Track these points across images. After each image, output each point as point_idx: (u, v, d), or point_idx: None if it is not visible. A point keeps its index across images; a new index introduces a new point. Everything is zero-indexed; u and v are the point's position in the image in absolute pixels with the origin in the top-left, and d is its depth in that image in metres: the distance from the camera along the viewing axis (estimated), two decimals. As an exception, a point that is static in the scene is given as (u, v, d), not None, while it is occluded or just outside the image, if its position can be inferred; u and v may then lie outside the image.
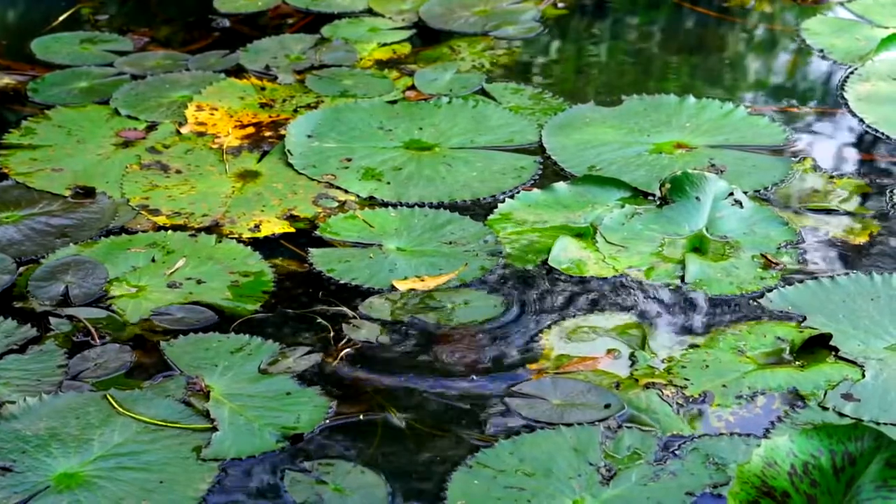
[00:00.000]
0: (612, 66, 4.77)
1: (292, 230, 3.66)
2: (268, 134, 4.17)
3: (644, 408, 2.94)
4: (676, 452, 2.80)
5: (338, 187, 3.86)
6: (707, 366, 3.07)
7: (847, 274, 3.37)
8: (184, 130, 4.18)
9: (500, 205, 3.74)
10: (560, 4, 5.20)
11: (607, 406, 2.94)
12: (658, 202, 3.69)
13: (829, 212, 3.71)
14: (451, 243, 3.58)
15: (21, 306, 3.33)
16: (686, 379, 3.02)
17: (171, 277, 3.43)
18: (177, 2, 5.37)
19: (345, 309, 3.29)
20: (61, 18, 5.09)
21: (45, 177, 3.92)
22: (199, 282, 3.42)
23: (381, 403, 2.99)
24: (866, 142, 4.11)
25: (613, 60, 4.83)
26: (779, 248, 3.51)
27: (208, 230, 3.65)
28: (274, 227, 3.67)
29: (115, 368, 3.10)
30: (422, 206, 3.76)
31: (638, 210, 3.65)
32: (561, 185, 3.79)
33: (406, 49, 4.80)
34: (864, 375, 3.01)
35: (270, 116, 4.28)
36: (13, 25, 5.19)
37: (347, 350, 3.15)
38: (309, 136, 4.12)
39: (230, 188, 3.86)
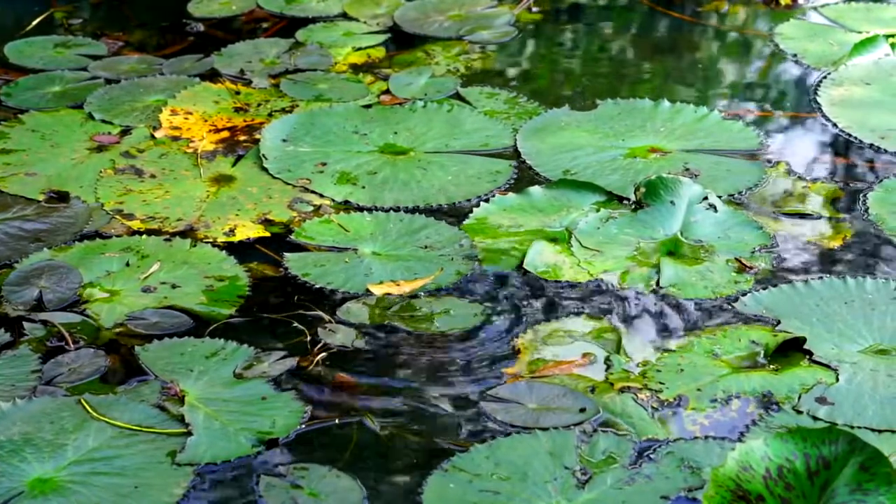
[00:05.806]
0: (587, 71, 4.78)
1: (267, 234, 3.65)
2: (242, 138, 4.16)
3: (619, 412, 2.94)
4: (651, 456, 2.80)
5: (313, 191, 3.85)
6: (682, 370, 3.07)
7: (821, 277, 3.39)
8: (158, 135, 4.17)
9: (475, 209, 3.74)
10: (534, 9, 5.21)
11: (583, 410, 2.94)
12: (633, 206, 3.69)
13: (802, 216, 3.72)
14: (426, 247, 3.58)
15: (-6, 311, 3.32)
16: (661, 383, 3.03)
17: (145, 282, 3.42)
18: (151, 6, 5.35)
19: (320, 313, 3.29)
20: (35, 23, 5.06)
21: (18, 181, 3.91)
22: (173, 286, 3.41)
23: (357, 408, 2.99)
24: (839, 146, 4.12)
25: (588, 65, 4.84)
26: (753, 252, 3.52)
27: (183, 234, 3.64)
28: (249, 231, 3.66)
29: (89, 373, 3.09)
30: (397, 210, 3.75)
31: (613, 214, 3.66)
32: (536, 190, 3.80)
33: (381, 53, 4.80)
34: (837, 379, 3.02)
35: (245, 121, 4.27)
36: (-14, 29, 5.17)
37: (323, 354, 3.15)
38: (284, 141, 4.11)
39: (205, 192, 3.85)
